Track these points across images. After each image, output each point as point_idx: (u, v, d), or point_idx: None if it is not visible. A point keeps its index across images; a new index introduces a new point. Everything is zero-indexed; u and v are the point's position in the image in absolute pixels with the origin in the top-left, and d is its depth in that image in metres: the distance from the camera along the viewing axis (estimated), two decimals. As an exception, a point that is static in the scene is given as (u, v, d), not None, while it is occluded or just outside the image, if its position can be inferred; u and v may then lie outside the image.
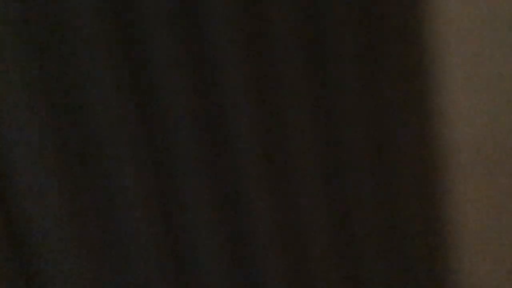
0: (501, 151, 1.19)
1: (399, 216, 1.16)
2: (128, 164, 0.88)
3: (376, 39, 1.04)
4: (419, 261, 1.19)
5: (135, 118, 0.88)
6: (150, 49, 0.88)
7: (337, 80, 1.03)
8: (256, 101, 0.97)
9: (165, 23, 0.87)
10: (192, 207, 0.96)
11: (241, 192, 0.99)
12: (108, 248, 0.91)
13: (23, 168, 0.81)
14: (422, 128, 1.12)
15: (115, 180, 0.89)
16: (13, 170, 0.80)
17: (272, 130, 1.00)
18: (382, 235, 1.15)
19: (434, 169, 1.16)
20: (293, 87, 0.99)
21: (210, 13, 0.90)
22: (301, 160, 1.03)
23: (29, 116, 0.79)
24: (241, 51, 0.93)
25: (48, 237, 0.84)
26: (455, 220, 1.22)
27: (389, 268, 1.17)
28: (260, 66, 0.96)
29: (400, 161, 1.12)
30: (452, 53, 1.11)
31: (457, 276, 1.25)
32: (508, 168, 1.21)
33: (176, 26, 0.88)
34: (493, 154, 1.19)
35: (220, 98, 0.94)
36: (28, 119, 0.79)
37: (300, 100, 1.00)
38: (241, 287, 1.04)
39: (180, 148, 0.93)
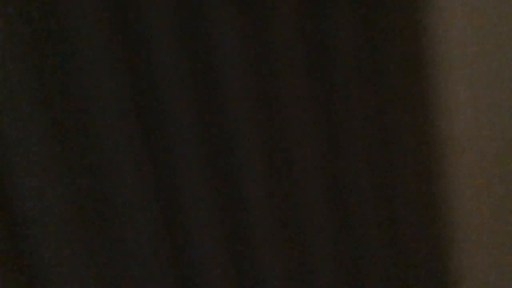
0: (502, 150, 1.19)
1: (399, 214, 1.16)
2: (128, 165, 0.89)
3: (377, 39, 1.04)
4: (419, 260, 1.19)
5: (135, 118, 0.89)
6: (151, 51, 0.88)
7: (338, 79, 1.03)
8: (257, 101, 0.97)
9: (166, 26, 0.87)
10: (192, 207, 0.96)
11: (241, 192, 1.00)
12: (108, 248, 0.91)
13: (23, 169, 0.81)
14: (424, 127, 1.12)
15: (115, 180, 0.89)
16: (14, 171, 0.81)
17: (273, 130, 1.00)
18: (382, 233, 1.15)
19: (435, 168, 1.16)
20: (294, 86, 0.99)
21: (210, 15, 0.90)
22: (302, 159, 1.03)
23: (30, 117, 0.80)
24: (242, 52, 0.93)
25: (48, 237, 0.84)
26: (455, 219, 1.22)
27: (388, 267, 1.17)
28: (261, 67, 0.96)
29: (401, 160, 1.12)
30: (454, 53, 1.11)
31: (457, 275, 1.25)
32: (508, 168, 1.20)
33: (177, 29, 0.88)
34: (494, 153, 1.19)
35: (220, 99, 0.94)
36: (29, 120, 0.80)
37: (300, 99, 1.00)
38: (241, 286, 1.04)
39: (180, 148, 0.93)
